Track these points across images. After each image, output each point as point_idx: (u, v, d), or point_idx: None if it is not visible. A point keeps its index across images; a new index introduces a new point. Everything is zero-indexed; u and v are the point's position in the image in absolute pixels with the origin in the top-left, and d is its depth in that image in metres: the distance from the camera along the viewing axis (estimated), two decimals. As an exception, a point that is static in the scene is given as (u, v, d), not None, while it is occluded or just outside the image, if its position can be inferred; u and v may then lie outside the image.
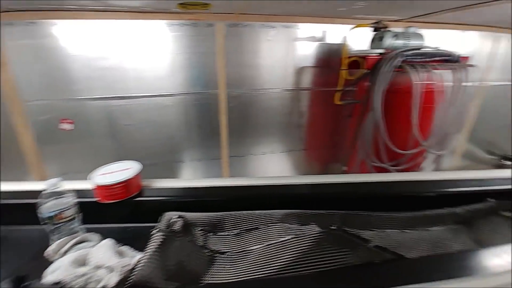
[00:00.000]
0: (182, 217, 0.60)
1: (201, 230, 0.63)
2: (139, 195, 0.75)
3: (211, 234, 0.62)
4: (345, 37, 1.96)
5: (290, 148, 2.59)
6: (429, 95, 1.60)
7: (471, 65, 1.67)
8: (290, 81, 2.31)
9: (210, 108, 2.20)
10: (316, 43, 2.24)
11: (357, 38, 2.18)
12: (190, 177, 2.42)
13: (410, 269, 0.48)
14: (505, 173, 0.86)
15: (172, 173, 2.35)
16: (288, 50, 2.21)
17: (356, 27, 1.88)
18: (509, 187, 0.80)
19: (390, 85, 1.63)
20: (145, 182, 0.78)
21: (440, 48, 1.76)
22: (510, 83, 2.97)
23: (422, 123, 1.62)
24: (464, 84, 1.70)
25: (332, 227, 0.64)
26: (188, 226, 0.59)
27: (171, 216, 0.61)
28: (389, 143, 1.65)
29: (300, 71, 2.31)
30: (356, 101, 1.95)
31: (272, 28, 2.10)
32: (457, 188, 0.81)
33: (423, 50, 1.71)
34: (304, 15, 2.06)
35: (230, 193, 0.74)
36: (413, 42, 1.76)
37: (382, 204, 0.77)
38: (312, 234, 0.55)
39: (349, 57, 1.94)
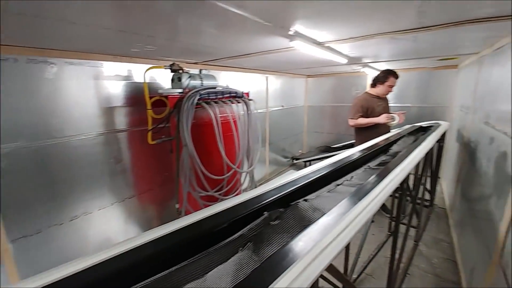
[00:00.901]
0: None
1: None
2: None
3: None
4: (145, 77, 1.94)
5: (113, 201, 2.18)
6: (227, 125, 1.89)
7: (250, 99, 2.16)
8: (97, 124, 1.98)
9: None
10: (123, 82, 2.08)
11: (164, 78, 2.24)
12: None
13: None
14: (272, 185, 1.09)
15: None
16: (88, 89, 1.89)
17: (150, 68, 1.92)
18: (275, 197, 1.01)
19: (195, 119, 1.77)
20: None
21: (229, 87, 2.16)
22: (281, 107, 4.36)
23: (228, 148, 1.89)
24: (251, 112, 2.17)
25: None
26: None
27: None
28: (206, 172, 1.77)
29: (108, 111, 2.03)
30: (170, 138, 1.97)
31: (51, 64, 1.71)
32: (243, 211, 0.92)
33: (216, 89, 2.02)
34: (92, 52, 1.84)
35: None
36: (207, 82, 2.05)
37: (191, 249, 0.75)
38: None
39: (152, 97, 1.94)
